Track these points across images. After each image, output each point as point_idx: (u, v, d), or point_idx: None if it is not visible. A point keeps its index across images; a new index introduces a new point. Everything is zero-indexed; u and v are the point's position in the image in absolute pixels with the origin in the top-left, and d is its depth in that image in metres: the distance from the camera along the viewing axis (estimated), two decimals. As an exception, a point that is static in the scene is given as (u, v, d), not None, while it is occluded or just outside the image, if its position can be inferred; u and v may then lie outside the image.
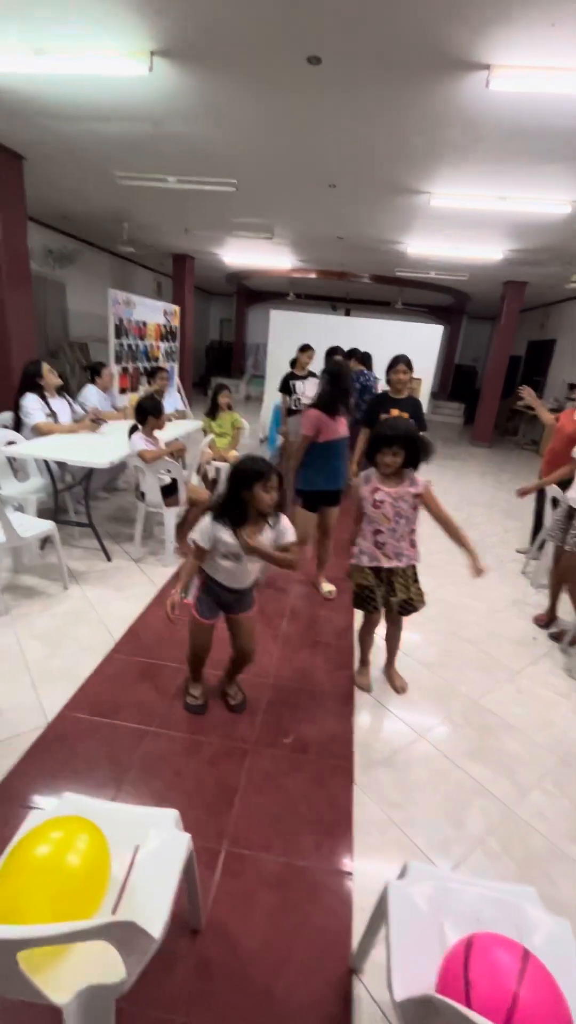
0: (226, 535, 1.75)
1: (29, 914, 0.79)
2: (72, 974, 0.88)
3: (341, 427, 2.86)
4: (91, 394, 4.36)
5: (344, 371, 2.85)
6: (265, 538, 1.76)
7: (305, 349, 4.84)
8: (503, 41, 2.46)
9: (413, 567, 2.22)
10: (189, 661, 2.12)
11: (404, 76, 2.82)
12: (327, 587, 3.22)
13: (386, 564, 2.15)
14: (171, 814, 1.18)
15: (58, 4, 2.46)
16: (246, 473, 1.67)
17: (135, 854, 1.08)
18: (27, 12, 2.55)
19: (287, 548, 1.81)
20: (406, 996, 0.84)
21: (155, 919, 0.94)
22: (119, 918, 0.76)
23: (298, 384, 4.70)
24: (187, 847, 1.11)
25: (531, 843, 1.68)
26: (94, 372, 4.45)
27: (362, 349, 5.40)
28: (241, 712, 2.14)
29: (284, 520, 1.82)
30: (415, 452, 2.04)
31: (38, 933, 0.66)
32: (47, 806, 1.17)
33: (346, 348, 5.39)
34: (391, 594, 2.20)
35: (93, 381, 4.43)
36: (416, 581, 2.24)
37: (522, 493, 3.17)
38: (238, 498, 1.70)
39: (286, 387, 4.76)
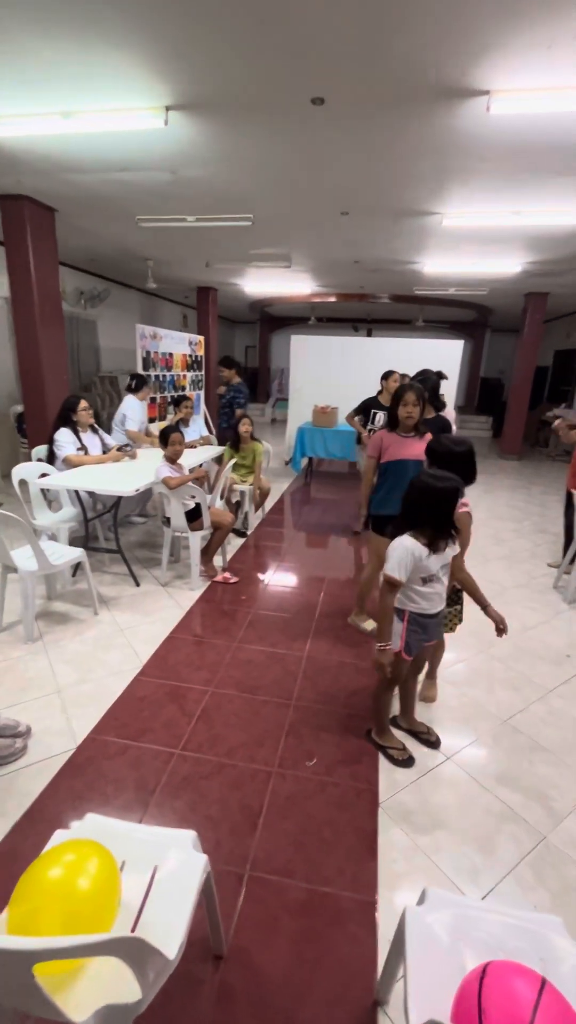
0: (424, 556, 1.70)
1: (42, 933, 0.82)
2: (90, 994, 0.90)
3: (412, 447, 2.60)
4: (130, 403, 4.70)
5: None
6: (449, 551, 1.78)
7: (390, 375, 4.39)
8: (501, 66, 2.52)
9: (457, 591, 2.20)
10: (383, 701, 2.01)
11: (405, 108, 2.91)
12: (368, 624, 3.03)
13: None
14: (189, 835, 1.20)
15: (82, 70, 2.68)
16: (446, 493, 1.64)
17: (153, 875, 1.11)
18: (54, 80, 2.78)
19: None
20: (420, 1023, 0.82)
21: (171, 939, 0.95)
22: (129, 935, 0.78)
23: (379, 415, 4.26)
24: (204, 868, 1.13)
25: (567, 874, 1.61)
26: (138, 384, 4.70)
27: (384, 369, 5.41)
28: (438, 748, 2.11)
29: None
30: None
31: (49, 945, 0.69)
32: (72, 826, 1.21)
33: (368, 369, 5.44)
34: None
35: (134, 391, 4.72)
36: (458, 602, 2.23)
37: None
38: (441, 515, 1.67)
39: (365, 412, 4.42)
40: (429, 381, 3.36)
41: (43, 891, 0.87)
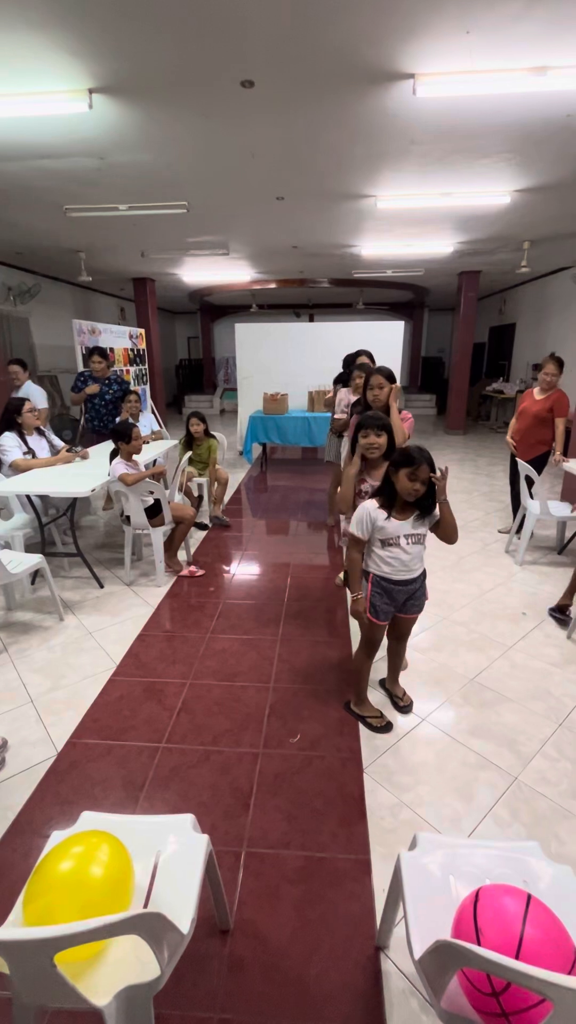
0: (381, 517, 1.85)
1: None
2: (109, 978, 0.92)
3: None
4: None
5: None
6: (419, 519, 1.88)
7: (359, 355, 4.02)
8: (424, 50, 2.58)
9: None
10: (360, 670, 2.12)
11: (335, 91, 2.94)
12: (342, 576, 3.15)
13: None
14: (187, 818, 1.23)
15: (-6, 53, 2.54)
16: (396, 459, 1.80)
17: (156, 860, 1.13)
18: (-37, 63, 2.61)
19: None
20: (423, 951, 0.90)
21: (182, 916, 0.98)
22: (149, 911, 0.81)
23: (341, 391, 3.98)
24: (206, 847, 1.16)
25: (537, 807, 1.75)
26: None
27: (328, 352, 5.47)
28: (409, 713, 2.21)
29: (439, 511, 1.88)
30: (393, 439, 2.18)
31: (72, 930, 0.71)
32: (66, 828, 1.21)
33: (312, 353, 5.47)
34: None
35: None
36: None
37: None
38: (389, 481, 1.83)
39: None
40: (385, 368, 3.44)
41: (56, 884, 0.88)
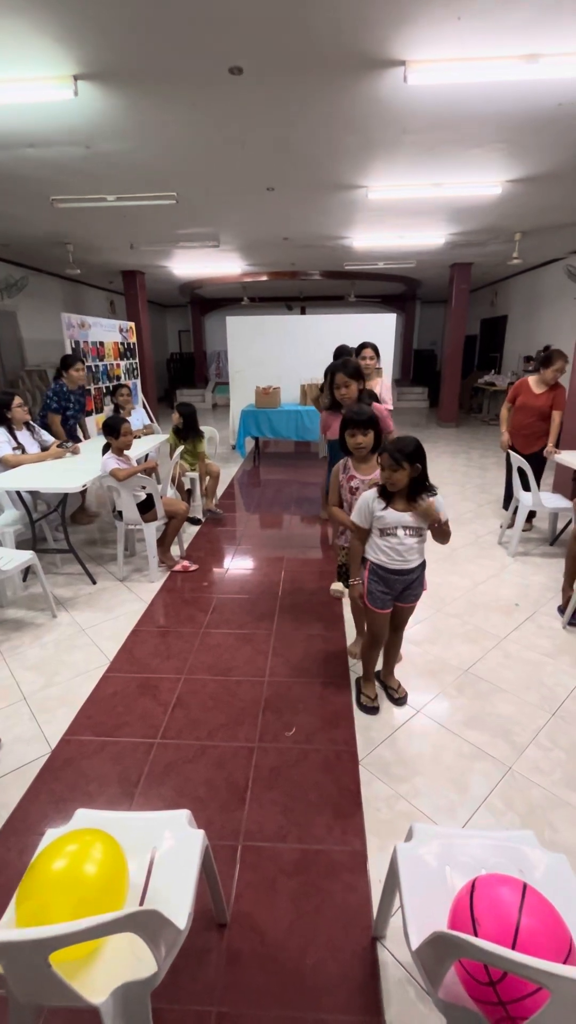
0: (379, 507, 1.90)
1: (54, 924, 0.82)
2: (105, 975, 0.92)
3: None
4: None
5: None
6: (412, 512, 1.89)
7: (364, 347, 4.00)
8: (415, 37, 2.55)
9: None
10: (366, 656, 2.20)
11: (325, 78, 2.90)
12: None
13: None
14: (183, 814, 1.22)
15: (-26, 38, 2.47)
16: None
17: (152, 856, 1.12)
18: (-56, 48, 2.55)
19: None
20: (420, 942, 0.90)
21: (179, 911, 0.98)
22: (144, 908, 0.80)
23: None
24: (202, 842, 1.16)
25: (531, 796, 1.77)
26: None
27: (320, 345, 5.45)
28: (403, 706, 2.22)
29: (438, 498, 1.89)
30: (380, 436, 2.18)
31: (67, 930, 0.70)
32: (61, 826, 1.20)
33: (304, 346, 5.44)
34: None
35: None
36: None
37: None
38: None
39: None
40: (351, 363, 3.42)
41: (49, 884, 0.87)
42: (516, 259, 6.75)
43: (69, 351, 6.15)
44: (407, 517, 1.89)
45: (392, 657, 2.28)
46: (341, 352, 4.04)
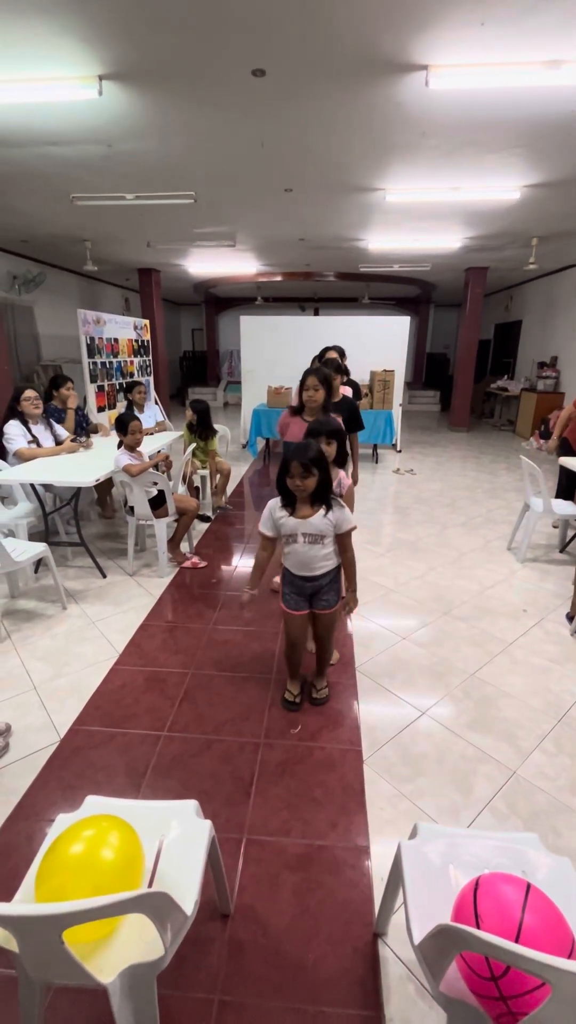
0: (284, 516, 1.93)
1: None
2: (114, 957, 0.94)
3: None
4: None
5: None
6: (323, 523, 1.91)
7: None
8: (438, 42, 2.56)
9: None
10: (285, 655, 2.23)
11: (346, 81, 2.92)
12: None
13: None
14: (191, 804, 1.24)
15: (7, 36, 2.52)
16: (281, 464, 1.87)
17: (160, 845, 1.14)
18: (-27, 47, 2.60)
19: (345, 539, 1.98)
20: (423, 937, 0.91)
21: (186, 897, 1.00)
22: (154, 890, 0.82)
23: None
24: (209, 832, 1.18)
25: (535, 800, 1.77)
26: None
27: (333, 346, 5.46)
28: (322, 705, 2.22)
29: (344, 511, 1.93)
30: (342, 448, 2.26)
31: (81, 907, 0.72)
32: (71, 812, 1.23)
33: (317, 347, 5.43)
34: None
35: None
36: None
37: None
38: (280, 481, 1.91)
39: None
40: (332, 363, 3.46)
41: (68, 866, 0.90)
42: (533, 264, 6.72)
43: (85, 347, 6.21)
44: (307, 524, 1.91)
45: (319, 657, 2.24)
46: (323, 355, 4.04)
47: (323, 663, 2.25)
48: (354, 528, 1.98)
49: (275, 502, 1.97)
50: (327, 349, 3.84)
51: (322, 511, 1.91)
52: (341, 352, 3.89)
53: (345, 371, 3.63)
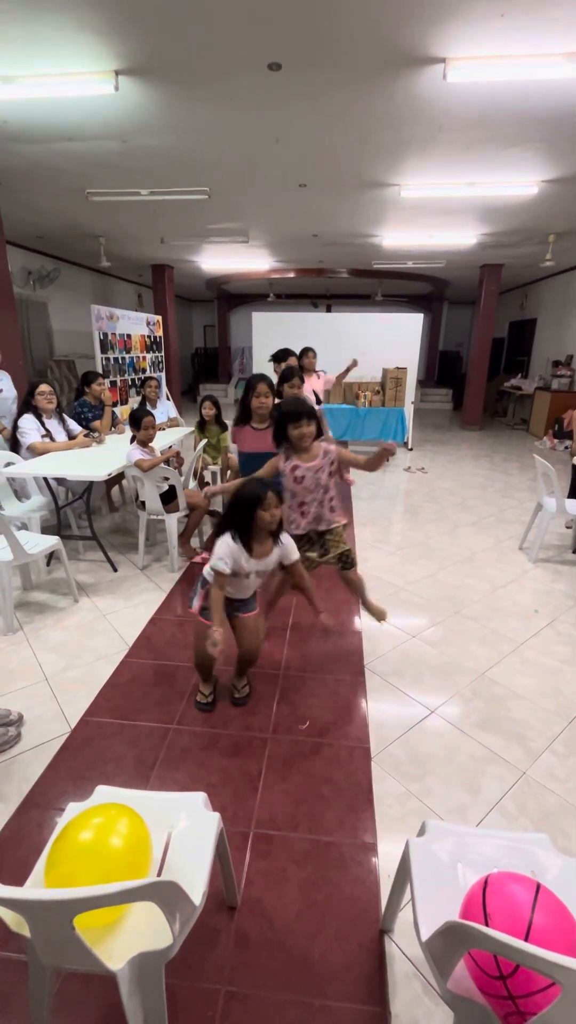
0: (243, 558, 1.86)
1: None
2: (123, 944, 0.95)
3: (266, 439, 2.52)
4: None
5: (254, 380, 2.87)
6: (272, 556, 1.93)
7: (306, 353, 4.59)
8: (456, 34, 2.53)
9: (341, 526, 2.45)
10: (196, 663, 2.18)
11: (363, 75, 2.89)
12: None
13: (321, 528, 2.41)
14: (200, 796, 1.25)
15: (23, 33, 2.53)
16: (246, 500, 1.78)
17: (169, 836, 1.15)
18: (-8, 43, 2.61)
19: (293, 566, 2.01)
20: (430, 934, 0.91)
21: (194, 887, 1.01)
22: (164, 879, 0.83)
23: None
24: (217, 825, 1.18)
25: (545, 802, 1.75)
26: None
27: (345, 343, 5.47)
28: (244, 706, 2.19)
29: (287, 538, 1.97)
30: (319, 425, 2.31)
31: (92, 893, 0.73)
32: (82, 801, 1.24)
33: (329, 344, 5.45)
34: (326, 554, 2.42)
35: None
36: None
37: None
38: (245, 521, 1.80)
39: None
40: (292, 370, 3.58)
41: (78, 852, 0.91)
42: (549, 261, 6.63)
43: (97, 343, 6.25)
44: (262, 564, 1.91)
45: (243, 663, 2.20)
46: (282, 356, 4.10)
47: (245, 666, 2.21)
48: (297, 559, 2.01)
49: (233, 543, 1.82)
50: (285, 351, 3.95)
51: (276, 548, 1.93)
52: (296, 354, 4.13)
53: (301, 376, 3.65)
